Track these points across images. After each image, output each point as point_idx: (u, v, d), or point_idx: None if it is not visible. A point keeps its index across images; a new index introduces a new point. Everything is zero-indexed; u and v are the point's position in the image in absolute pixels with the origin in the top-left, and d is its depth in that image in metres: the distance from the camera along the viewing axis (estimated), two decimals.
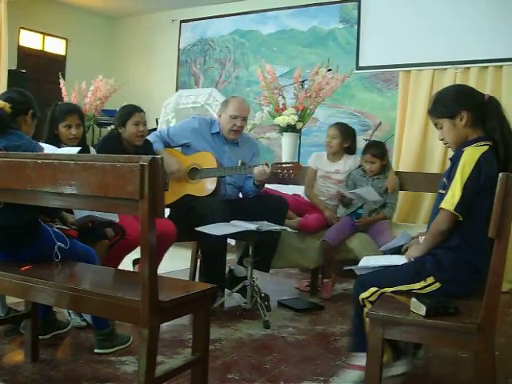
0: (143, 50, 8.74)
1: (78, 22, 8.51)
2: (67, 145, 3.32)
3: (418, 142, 4.84)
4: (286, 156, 5.49)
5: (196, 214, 3.63)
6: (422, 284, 2.16)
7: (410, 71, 4.93)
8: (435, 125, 2.36)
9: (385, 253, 2.68)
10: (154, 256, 1.85)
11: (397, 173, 4.29)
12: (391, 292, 2.18)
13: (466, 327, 1.82)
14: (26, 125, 2.62)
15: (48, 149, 3.01)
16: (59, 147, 3.30)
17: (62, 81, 6.74)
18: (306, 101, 5.34)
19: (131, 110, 3.66)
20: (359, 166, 4.22)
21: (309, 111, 5.37)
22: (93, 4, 8.22)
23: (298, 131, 5.41)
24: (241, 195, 4.08)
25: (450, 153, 4.50)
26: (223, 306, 3.68)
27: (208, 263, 3.75)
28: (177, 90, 8.45)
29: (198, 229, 3.38)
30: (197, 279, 4.37)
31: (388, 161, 4.24)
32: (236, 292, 3.66)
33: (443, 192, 2.21)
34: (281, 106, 5.43)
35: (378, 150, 4.11)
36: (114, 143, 3.63)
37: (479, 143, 2.20)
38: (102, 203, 1.93)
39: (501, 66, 4.53)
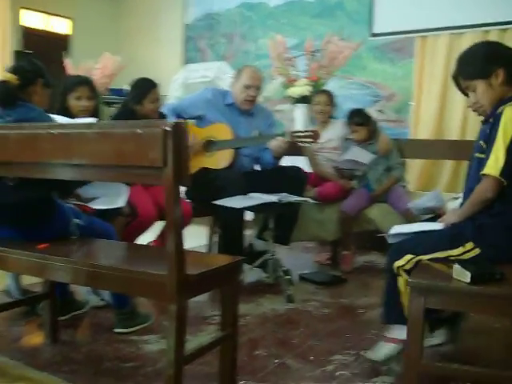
0: (149, 26, 8.54)
1: (84, 1, 8.33)
2: (78, 116, 3.21)
3: (436, 110, 4.70)
4: (300, 128, 5.36)
5: (213, 188, 3.51)
6: (460, 250, 2.03)
7: (426, 37, 4.75)
8: (465, 88, 2.18)
9: (416, 213, 2.54)
10: (180, 227, 1.74)
11: (413, 140, 4.16)
12: (428, 259, 2.06)
13: None
14: (37, 95, 2.48)
15: (62, 120, 2.91)
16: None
17: (66, 60, 6.56)
18: (319, 71, 5.19)
19: (149, 87, 3.54)
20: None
21: (322, 81, 5.23)
22: None
23: (311, 102, 5.26)
24: (258, 167, 3.96)
25: (470, 120, 4.44)
26: (244, 281, 3.57)
27: (226, 238, 3.64)
28: (184, 65, 8.31)
29: (216, 202, 3.28)
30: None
31: (375, 125, 4.11)
32: (256, 267, 3.57)
33: (481, 156, 2.08)
34: (293, 77, 5.30)
35: (360, 118, 4.02)
36: (128, 118, 3.50)
37: None
38: (122, 173, 1.81)
39: None
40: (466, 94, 2.23)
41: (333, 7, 7.30)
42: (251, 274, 3.60)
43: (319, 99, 4.23)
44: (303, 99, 5.18)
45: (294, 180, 3.66)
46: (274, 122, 4.02)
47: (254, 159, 3.88)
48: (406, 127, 6.21)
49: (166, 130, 1.67)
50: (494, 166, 1.99)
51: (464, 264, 1.80)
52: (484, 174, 2.03)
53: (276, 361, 2.42)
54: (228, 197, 3.31)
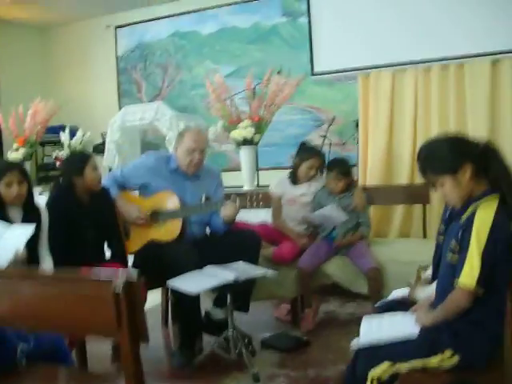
0: (80, 60, 8.23)
1: (7, 36, 7.93)
2: (12, 205, 3.00)
3: (383, 148, 4.63)
4: (245, 171, 5.25)
5: (164, 263, 3.36)
6: (439, 357, 1.94)
7: (369, 74, 4.69)
8: (431, 184, 2.11)
9: (380, 309, 2.44)
10: None
11: (364, 188, 4.10)
12: (407, 370, 1.95)
13: None
14: None
15: None
16: (3, 210, 2.99)
17: None
18: (261, 110, 5.09)
19: (85, 156, 3.35)
20: (324, 186, 4.01)
21: (265, 122, 5.12)
22: (21, 16, 7.64)
23: (256, 143, 5.16)
24: (208, 230, 3.81)
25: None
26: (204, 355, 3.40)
27: (182, 308, 3.48)
28: (119, 98, 8.06)
29: (170, 283, 3.12)
30: (170, 322, 4.13)
31: (353, 177, 4.03)
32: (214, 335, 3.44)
33: (453, 257, 1.99)
34: (235, 118, 5.17)
35: (344, 169, 3.92)
36: (67, 197, 3.30)
37: (488, 197, 1.99)
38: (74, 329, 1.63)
39: (462, 64, 4.34)
40: (434, 186, 2.14)
41: (268, 33, 7.22)
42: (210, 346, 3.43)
43: (314, 163, 4.02)
44: (247, 141, 5.06)
45: (248, 246, 3.55)
46: (222, 181, 3.88)
47: (205, 224, 3.74)
48: (350, 150, 6.20)
49: (117, 294, 1.51)
50: (469, 275, 1.91)
51: None
52: (459, 284, 1.94)
53: None
54: (180, 273, 3.16)
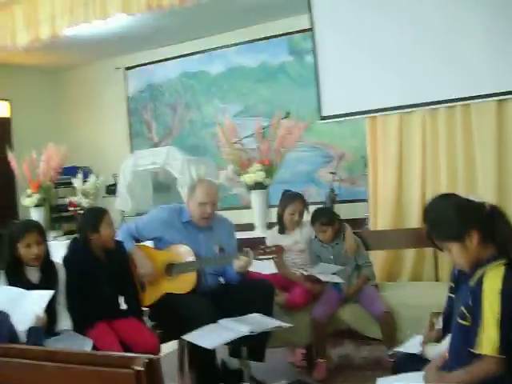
0: (91, 101, 8.39)
1: (20, 81, 8.10)
2: (29, 265, 3.08)
3: (393, 189, 4.68)
4: (257, 215, 5.30)
5: (180, 316, 3.40)
6: None
7: (376, 117, 4.76)
8: (439, 246, 2.15)
9: (399, 366, 2.47)
10: None
11: (373, 232, 4.15)
12: None
13: None
14: None
15: (10, 295, 2.79)
16: (22, 270, 3.06)
17: (9, 154, 6.35)
18: (271, 154, 5.16)
19: (101, 213, 3.41)
20: (315, 237, 4.06)
21: (275, 165, 5.20)
22: (33, 61, 7.81)
23: (266, 187, 5.23)
24: (222, 280, 3.86)
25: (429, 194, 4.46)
26: None
27: (198, 359, 3.52)
28: (130, 139, 8.19)
29: (186, 338, 3.17)
30: (186, 369, 4.15)
31: (341, 223, 4.06)
32: None
33: (465, 324, 2.02)
34: (245, 162, 5.25)
35: (326, 218, 3.96)
36: (83, 253, 3.37)
37: (496, 263, 2.02)
38: None
39: (468, 104, 4.40)
40: (441, 249, 2.18)
41: (275, 71, 7.34)
42: None
43: (295, 208, 4.09)
44: (258, 185, 5.13)
45: (261, 297, 3.58)
46: (234, 231, 3.93)
47: (219, 274, 3.79)
48: (360, 186, 6.25)
49: (139, 371, 1.55)
50: (488, 345, 1.93)
51: None
52: (480, 355, 1.95)
53: None
54: (196, 327, 3.20)
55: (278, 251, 3.50)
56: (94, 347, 3.10)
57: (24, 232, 3.06)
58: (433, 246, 2.52)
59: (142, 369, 1.55)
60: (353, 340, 4.42)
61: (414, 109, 4.60)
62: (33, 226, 3.15)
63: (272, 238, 4.17)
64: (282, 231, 4.17)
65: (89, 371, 1.64)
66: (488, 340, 1.92)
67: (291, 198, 4.15)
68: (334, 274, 3.89)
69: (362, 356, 4.24)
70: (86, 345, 3.05)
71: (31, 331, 2.71)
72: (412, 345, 2.53)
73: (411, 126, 4.66)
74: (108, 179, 7.06)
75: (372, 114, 4.78)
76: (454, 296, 2.29)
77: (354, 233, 4.08)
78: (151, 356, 1.58)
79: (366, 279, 3.91)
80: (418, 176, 4.61)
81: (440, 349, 2.34)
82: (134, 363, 1.57)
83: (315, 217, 3.99)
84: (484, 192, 4.26)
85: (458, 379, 2.05)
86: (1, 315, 2.23)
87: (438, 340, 2.48)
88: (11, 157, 6.31)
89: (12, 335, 2.26)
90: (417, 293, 3.97)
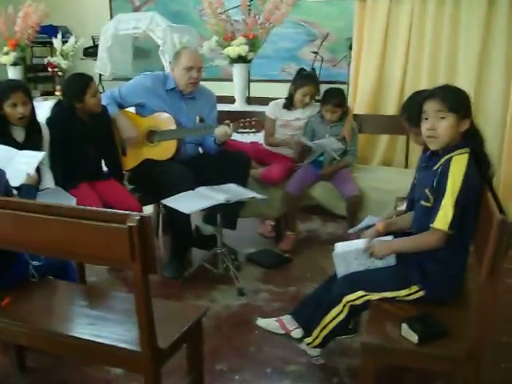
0: None
1: None
2: (16, 125, 3.13)
3: (375, 73, 4.74)
4: (237, 86, 5.34)
5: (159, 182, 3.55)
6: (406, 291, 2.22)
7: (365, 0, 4.71)
8: (436, 111, 2.16)
9: (356, 235, 2.69)
10: (151, 317, 1.81)
11: (354, 116, 4.22)
12: (378, 299, 2.23)
13: (457, 355, 1.90)
14: None
15: (2, 153, 2.86)
16: (8, 130, 3.12)
17: None
18: (256, 29, 5.11)
19: (85, 82, 3.41)
20: (318, 112, 4.13)
21: (260, 39, 5.16)
22: None
23: (249, 61, 5.22)
24: (201, 150, 3.98)
25: (406, 92, 4.54)
26: (192, 269, 3.66)
27: (174, 224, 3.72)
28: (110, 1, 7.89)
29: (165, 202, 3.33)
30: (160, 233, 4.36)
31: (347, 106, 4.15)
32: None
33: (427, 205, 2.20)
34: (230, 34, 5.19)
35: (340, 100, 4.00)
36: (68, 116, 3.42)
37: (461, 150, 2.16)
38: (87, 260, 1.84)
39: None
40: (416, 122, 2.29)
41: None
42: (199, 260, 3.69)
43: (308, 91, 4.07)
44: (240, 58, 5.12)
45: (238, 168, 3.74)
46: (216, 103, 4.00)
47: (198, 144, 3.90)
48: (341, 67, 6.26)
49: (132, 226, 1.70)
50: (443, 220, 2.10)
51: (411, 323, 1.97)
52: (433, 227, 2.14)
53: (237, 377, 2.59)
54: (175, 193, 3.35)
55: (258, 125, 3.57)
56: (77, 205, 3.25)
57: (9, 92, 3.07)
58: (409, 129, 2.68)
59: (135, 224, 1.70)
60: (320, 216, 4.67)
61: None
62: (18, 86, 3.14)
63: (274, 109, 4.21)
64: (287, 107, 4.18)
65: (84, 225, 1.78)
66: (444, 216, 2.10)
67: (306, 80, 4.12)
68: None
69: (328, 232, 4.50)
70: (70, 200, 3.17)
71: (23, 188, 2.83)
72: (370, 221, 2.71)
73: (400, 13, 4.63)
74: (87, 41, 6.91)
75: None
76: (416, 184, 2.47)
77: None
78: (143, 214, 1.73)
79: (346, 165, 4.05)
80: (401, 63, 4.65)
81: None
82: (127, 219, 1.71)
83: (329, 97, 4.00)
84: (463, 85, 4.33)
85: (403, 244, 2.29)
86: None
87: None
88: None
89: (8, 191, 2.36)
90: (386, 177, 4.15)
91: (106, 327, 2.05)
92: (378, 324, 2.10)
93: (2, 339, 2.36)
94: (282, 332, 2.74)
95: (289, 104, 4.18)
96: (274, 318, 2.82)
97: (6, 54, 6.08)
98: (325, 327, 2.38)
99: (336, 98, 3.99)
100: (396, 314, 2.14)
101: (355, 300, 2.28)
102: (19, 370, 2.60)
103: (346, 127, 4.02)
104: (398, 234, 2.41)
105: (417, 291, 2.22)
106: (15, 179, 2.76)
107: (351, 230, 2.83)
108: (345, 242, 2.51)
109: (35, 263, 2.42)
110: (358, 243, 2.42)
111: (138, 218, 1.70)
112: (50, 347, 2.10)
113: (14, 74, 6.15)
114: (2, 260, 2.33)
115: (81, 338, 1.98)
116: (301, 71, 4.25)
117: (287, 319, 2.74)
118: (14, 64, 6.11)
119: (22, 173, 2.88)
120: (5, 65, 6.21)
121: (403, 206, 2.82)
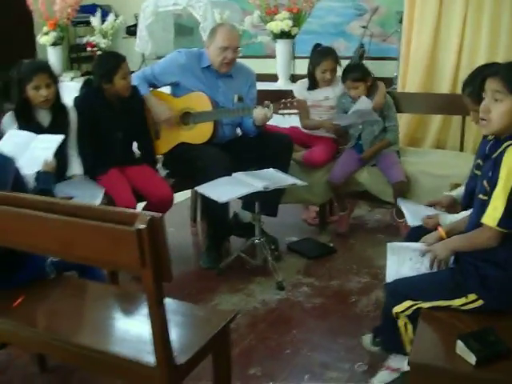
0: None
1: None
2: (41, 108, 2.96)
3: (427, 50, 4.37)
4: (280, 64, 5.08)
5: (194, 167, 3.34)
6: (462, 301, 1.92)
7: None
8: (493, 91, 1.86)
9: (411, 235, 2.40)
10: (165, 325, 1.59)
11: (400, 94, 3.90)
12: (429, 307, 1.95)
13: None
14: None
15: (18, 139, 2.70)
16: (30, 113, 2.96)
17: None
18: (300, 2, 4.82)
19: (117, 62, 3.19)
20: (345, 92, 3.82)
21: (304, 13, 4.87)
22: None
23: (293, 37, 4.94)
24: (239, 131, 3.74)
25: (462, 69, 4.17)
26: (230, 259, 3.43)
27: (211, 211, 3.50)
28: None
29: (199, 190, 3.13)
30: (198, 219, 4.17)
31: (373, 79, 3.78)
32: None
33: (484, 198, 1.90)
34: (272, 8, 4.92)
35: (358, 74, 3.69)
36: (96, 97, 3.23)
37: None
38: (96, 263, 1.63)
39: None
40: (478, 100, 1.98)
41: None
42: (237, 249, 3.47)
43: (327, 66, 3.80)
44: (284, 34, 4.84)
45: (280, 150, 3.50)
46: (255, 81, 3.73)
47: (236, 125, 3.66)
48: (391, 43, 5.91)
49: (140, 229, 1.48)
50: (492, 215, 1.83)
51: (468, 340, 1.68)
52: (483, 224, 1.87)
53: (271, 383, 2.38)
54: (210, 179, 3.14)
55: (301, 106, 3.31)
56: (106, 193, 3.08)
57: (31, 74, 2.90)
58: (471, 106, 2.35)
59: (144, 226, 1.48)
60: (367, 202, 4.37)
61: None
62: (41, 68, 2.97)
63: (299, 91, 3.94)
64: (311, 88, 3.91)
65: (90, 225, 1.57)
66: (493, 210, 1.83)
67: (323, 55, 3.84)
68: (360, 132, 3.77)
69: (376, 219, 4.21)
70: (97, 191, 3.02)
71: (40, 175, 2.66)
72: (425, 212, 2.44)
73: None
74: (129, 19, 6.73)
75: None
76: (479, 173, 2.14)
77: (387, 92, 3.85)
78: (154, 214, 1.51)
79: (388, 143, 3.73)
80: (456, 40, 4.26)
81: (451, 218, 2.27)
82: (136, 220, 1.50)
83: (346, 73, 3.74)
84: None
85: (459, 242, 2.01)
86: (6, 160, 2.12)
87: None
88: None
89: (19, 181, 2.16)
90: (439, 161, 3.81)
91: (125, 337, 1.85)
92: (428, 339, 1.82)
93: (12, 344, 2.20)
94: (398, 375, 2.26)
95: (312, 84, 3.89)
96: (383, 369, 2.32)
97: (46, 34, 5.97)
98: (410, 342, 2.04)
99: (353, 73, 3.69)
100: (450, 325, 1.86)
101: (404, 311, 2.01)
102: (40, 369, 2.45)
103: (375, 100, 3.69)
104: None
105: (474, 300, 1.92)
106: (31, 166, 2.58)
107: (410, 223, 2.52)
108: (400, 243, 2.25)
109: (52, 258, 2.24)
110: (416, 245, 2.16)
111: (148, 218, 1.48)
112: (56, 353, 1.92)
113: (54, 54, 6.06)
114: (14, 257, 2.16)
115: (93, 349, 1.78)
116: (316, 47, 3.97)
117: (392, 360, 2.28)
118: (54, 44, 5.98)
119: (40, 159, 2.70)
120: (45, 46, 6.11)
121: (454, 192, 2.56)
